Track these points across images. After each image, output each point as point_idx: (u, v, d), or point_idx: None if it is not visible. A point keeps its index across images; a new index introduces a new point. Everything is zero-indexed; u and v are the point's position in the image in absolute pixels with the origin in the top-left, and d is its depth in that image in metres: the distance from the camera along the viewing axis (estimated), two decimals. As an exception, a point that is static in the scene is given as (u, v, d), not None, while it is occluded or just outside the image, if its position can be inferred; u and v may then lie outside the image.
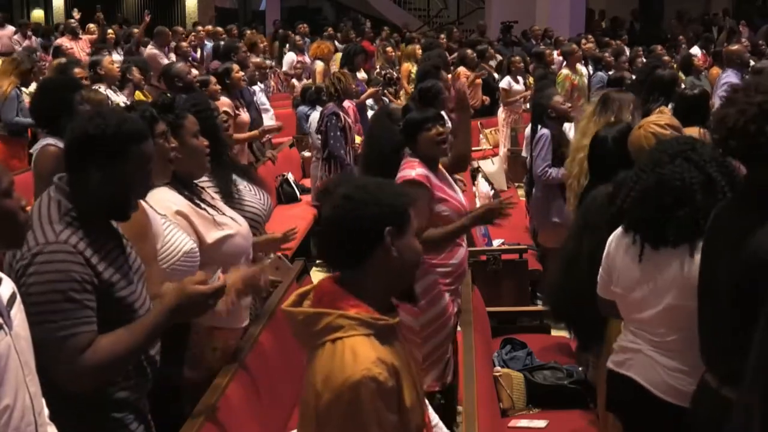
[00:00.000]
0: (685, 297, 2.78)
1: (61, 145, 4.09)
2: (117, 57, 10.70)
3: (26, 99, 7.33)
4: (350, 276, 2.09)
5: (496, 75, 11.11)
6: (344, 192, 2.11)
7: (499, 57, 12.42)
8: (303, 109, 9.78)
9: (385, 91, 9.80)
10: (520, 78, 10.23)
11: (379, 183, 2.16)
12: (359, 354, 1.98)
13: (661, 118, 3.69)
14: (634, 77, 8.55)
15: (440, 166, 4.15)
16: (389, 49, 13.02)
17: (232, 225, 3.31)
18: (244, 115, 7.14)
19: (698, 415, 2.61)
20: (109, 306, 2.37)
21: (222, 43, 11.82)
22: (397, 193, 2.14)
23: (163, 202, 3.09)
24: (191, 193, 3.28)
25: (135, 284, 2.48)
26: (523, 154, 7.45)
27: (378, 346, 2.02)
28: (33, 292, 2.27)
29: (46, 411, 2.14)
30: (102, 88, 6.89)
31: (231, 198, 3.62)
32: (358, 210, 2.07)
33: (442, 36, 15.55)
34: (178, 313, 2.43)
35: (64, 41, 12.55)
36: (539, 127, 6.10)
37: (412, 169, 3.94)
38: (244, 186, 3.83)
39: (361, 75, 10.10)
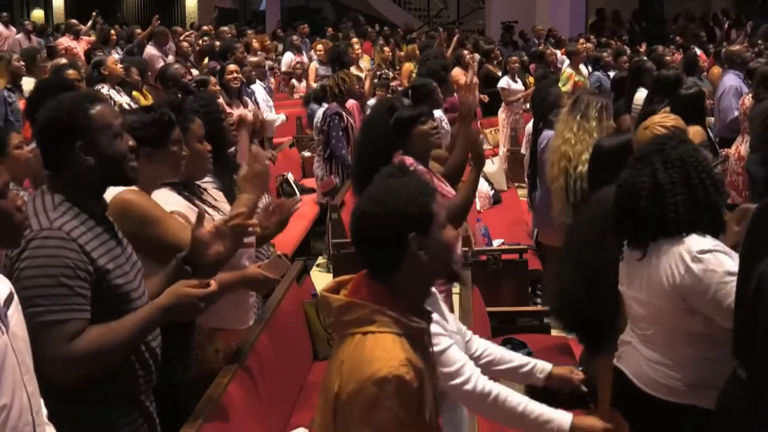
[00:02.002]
0: (651, 296, 2.84)
1: None
2: (117, 57, 10.69)
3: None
4: (388, 275, 2.09)
5: (499, 74, 11.11)
6: (359, 207, 2.11)
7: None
8: (314, 107, 9.74)
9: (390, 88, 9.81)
10: (518, 77, 10.23)
11: (392, 189, 2.11)
12: (389, 351, 1.99)
13: (667, 119, 3.70)
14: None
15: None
16: (386, 49, 13.02)
17: None
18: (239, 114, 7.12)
19: (730, 409, 2.60)
20: (105, 294, 2.37)
21: (217, 42, 11.82)
22: (412, 194, 2.08)
23: (162, 202, 3.09)
24: (191, 194, 3.29)
25: (131, 274, 2.48)
26: (522, 151, 7.44)
27: (408, 347, 2.02)
28: (24, 276, 2.28)
29: (44, 410, 2.14)
30: (105, 89, 6.88)
31: (233, 197, 3.62)
32: (375, 224, 2.05)
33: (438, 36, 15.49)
34: (169, 312, 2.43)
35: (65, 40, 12.54)
36: (541, 126, 6.07)
37: (410, 166, 3.92)
38: None
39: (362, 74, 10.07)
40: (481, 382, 2.53)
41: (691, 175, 2.80)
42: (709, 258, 2.71)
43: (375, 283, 2.08)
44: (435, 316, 2.29)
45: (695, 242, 2.76)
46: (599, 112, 4.84)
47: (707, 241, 2.76)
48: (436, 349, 2.39)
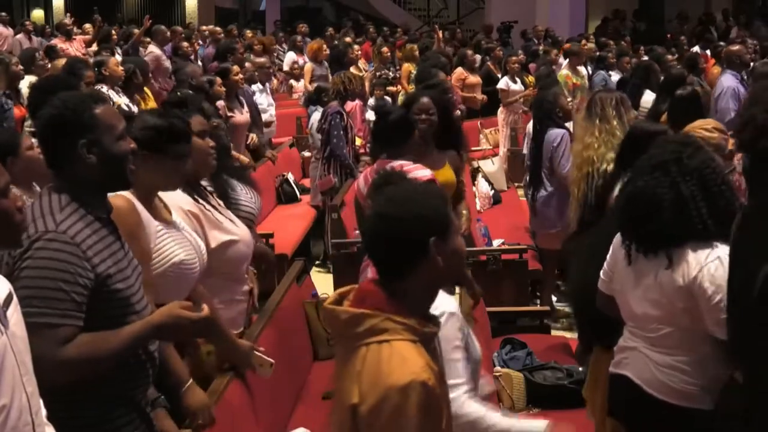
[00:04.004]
0: (668, 296, 2.82)
1: None
2: (117, 58, 10.68)
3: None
4: (395, 281, 2.06)
5: (499, 74, 11.12)
6: (378, 210, 2.07)
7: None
8: (310, 108, 9.80)
9: (387, 90, 9.82)
10: (517, 78, 10.23)
11: (411, 192, 2.10)
12: (408, 358, 1.96)
13: (708, 122, 3.74)
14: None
15: None
16: (384, 49, 13.03)
17: (236, 230, 3.34)
18: (239, 116, 7.12)
19: (729, 412, 2.60)
20: (106, 299, 2.37)
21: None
22: (432, 198, 2.08)
23: (174, 201, 3.11)
24: (199, 195, 3.30)
25: (131, 278, 2.48)
26: (524, 152, 7.45)
27: (424, 352, 2.01)
28: (24, 276, 2.28)
29: (43, 411, 2.13)
30: (104, 89, 6.88)
31: (227, 199, 3.63)
32: (398, 227, 2.02)
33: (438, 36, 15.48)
34: (160, 332, 2.45)
35: (57, 42, 12.54)
36: (543, 126, 6.07)
37: (423, 170, 3.91)
38: (239, 188, 3.85)
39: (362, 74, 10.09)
40: (467, 405, 2.51)
41: (708, 185, 2.80)
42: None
43: (381, 291, 2.06)
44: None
45: (722, 248, 2.75)
46: (616, 108, 4.84)
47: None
48: (449, 356, 2.41)
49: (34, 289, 2.27)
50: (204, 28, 15.93)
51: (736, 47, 8.74)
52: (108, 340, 2.37)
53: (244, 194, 3.85)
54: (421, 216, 2.02)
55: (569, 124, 6.17)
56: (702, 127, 3.69)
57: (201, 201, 3.28)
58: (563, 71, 10.51)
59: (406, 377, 1.93)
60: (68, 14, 14.04)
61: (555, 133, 5.92)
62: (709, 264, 2.73)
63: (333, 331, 2.17)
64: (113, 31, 12.93)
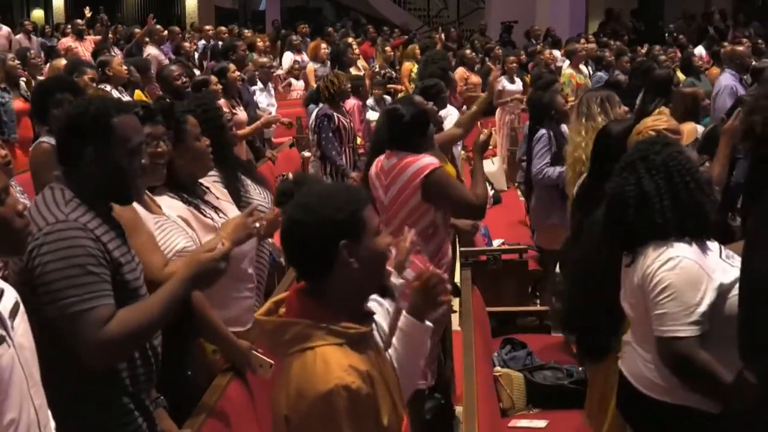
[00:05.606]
0: (635, 297, 2.84)
1: (53, 142, 4.12)
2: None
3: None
4: (318, 286, 2.05)
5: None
6: (289, 214, 2.05)
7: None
8: (311, 107, 9.78)
9: (387, 88, 9.83)
10: (517, 78, 10.21)
11: (323, 195, 2.06)
12: (330, 363, 1.95)
13: (659, 122, 3.70)
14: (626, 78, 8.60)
15: None
16: (387, 48, 13.03)
17: None
18: (241, 114, 7.13)
19: (736, 410, 2.61)
20: (117, 287, 2.37)
21: (220, 42, 11.84)
22: (343, 201, 2.03)
23: (165, 208, 3.10)
24: (192, 195, 3.27)
25: (137, 272, 2.50)
26: (519, 154, 7.46)
27: (351, 354, 1.99)
28: (50, 270, 2.26)
29: (52, 423, 2.10)
30: (107, 89, 6.89)
31: (238, 196, 3.62)
32: (306, 232, 2.00)
33: (435, 36, 15.50)
34: (193, 282, 2.46)
35: (68, 41, 12.51)
36: (537, 127, 6.09)
37: (430, 158, 3.99)
38: (249, 183, 3.84)
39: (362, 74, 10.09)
40: None
41: (674, 179, 2.79)
42: (677, 264, 2.71)
43: (306, 298, 2.05)
44: None
45: (678, 248, 2.75)
46: (601, 105, 4.84)
47: (690, 251, 2.75)
48: None
49: (64, 279, 2.26)
50: (207, 27, 15.93)
51: (739, 48, 8.73)
52: (144, 310, 2.37)
53: (256, 193, 3.83)
54: (327, 219, 1.99)
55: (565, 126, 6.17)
56: (653, 127, 3.64)
57: (196, 202, 3.26)
58: (567, 70, 10.49)
59: (329, 383, 1.92)
60: (87, 7, 13.85)
61: (538, 134, 5.96)
62: (656, 262, 2.73)
63: (265, 343, 2.14)
64: (109, 32, 12.93)
